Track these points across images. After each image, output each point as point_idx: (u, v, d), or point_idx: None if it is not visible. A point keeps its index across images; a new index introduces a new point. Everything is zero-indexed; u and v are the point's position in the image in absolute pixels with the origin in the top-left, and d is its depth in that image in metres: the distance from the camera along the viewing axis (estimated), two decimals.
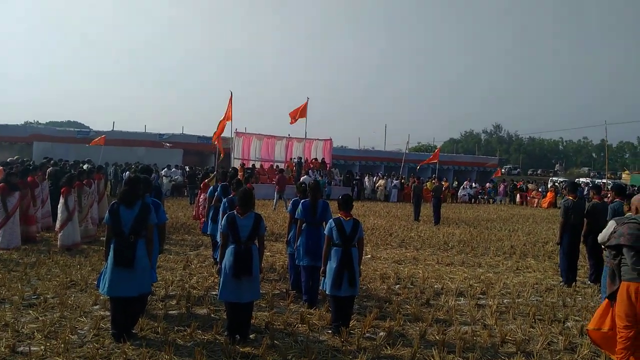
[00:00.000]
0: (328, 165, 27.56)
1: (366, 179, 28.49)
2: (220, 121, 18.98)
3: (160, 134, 33.90)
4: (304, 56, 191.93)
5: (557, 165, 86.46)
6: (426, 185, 25.89)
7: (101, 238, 9.91)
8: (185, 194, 23.33)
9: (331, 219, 5.51)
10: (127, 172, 20.65)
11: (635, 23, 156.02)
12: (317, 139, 28.96)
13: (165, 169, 23.63)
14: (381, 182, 27.90)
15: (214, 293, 6.45)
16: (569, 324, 6.06)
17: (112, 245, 4.74)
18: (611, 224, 5.33)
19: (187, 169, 25.02)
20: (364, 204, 23.23)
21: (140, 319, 5.13)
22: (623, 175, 57.31)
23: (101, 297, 5.81)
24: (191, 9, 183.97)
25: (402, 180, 28.77)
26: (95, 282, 5.47)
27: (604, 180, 39.81)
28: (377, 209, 20.93)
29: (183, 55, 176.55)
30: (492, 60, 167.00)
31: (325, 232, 5.48)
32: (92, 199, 10.48)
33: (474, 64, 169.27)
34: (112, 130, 32.22)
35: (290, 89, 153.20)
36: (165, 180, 22.58)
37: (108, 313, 5.15)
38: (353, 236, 5.32)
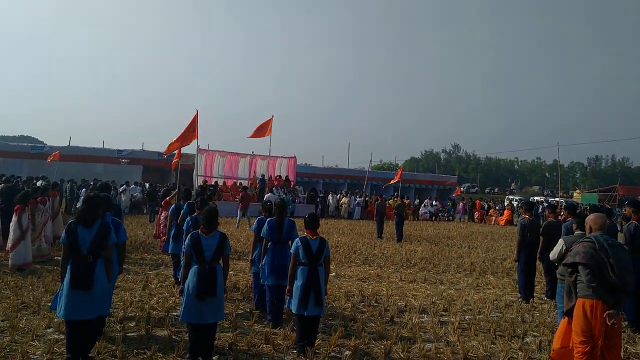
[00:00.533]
0: (292, 183, 27.54)
1: (330, 196, 28.62)
2: (176, 140, 18.67)
3: (119, 150, 33.06)
4: (268, 74, 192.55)
5: (513, 184, 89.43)
6: (389, 203, 26.23)
7: (55, 258, 9.51)
8: (145, 211, 22.78)
9: (298, 238, 5.50)
10: (84, 189, 20.00)
11: (587, 52, 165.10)
12: (282, 157, 28.93)
13: (124, 186, 22.98)
14: (344, 199, 28.09)
15: (175, 314, 6.28)
16: (528, 339, 6.22)
17: (69, 267, 4.54)
18: (560, 242, 5.55)
19: (147, 186, 24.48)
20: (328, 221, 23.27)
21: (97, 342, 4.92)
22: (574, 194, 60.00)
23: (55, 320, 5.55)
24: (155, 21, 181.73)
25: (366, 198, 29.04)
26: (49, 304, 5.22)
27: (557, 199, 41.43)
28: (340, 227, 21.01)
29: (145, 70, 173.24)
30: (452, 83, 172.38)
31: (291, 250, 5.46)
32: (47, 217, 10.07)
33: (435, 87, 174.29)
34: (68, 145, 31.16)
35: (255, 106, 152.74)
36: (123, 197, 21.95)
37: (62, 336, 4.93)
38: (320, 255, 5.32)
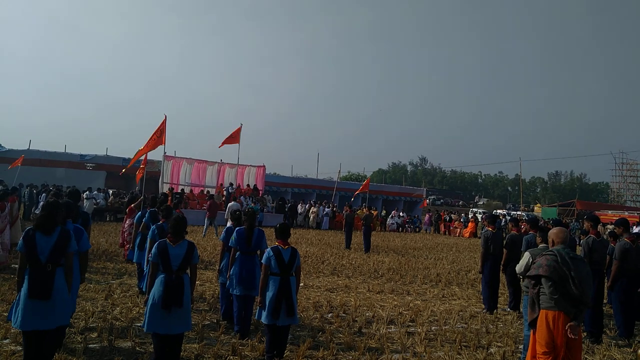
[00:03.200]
0: (260, 192, 27.38)
1: (299, 206, 28.59)
2: (144, 147, 18.32)
3: (82, 155, 32.14)
4: (239, 82, 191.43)
5: (477, 197, 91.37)
6: (357, 213, 26.40)
7: (12, 265, 9.12)
8: (108, 218, 22.18)
9: (269, 248, 5.45)
10: (44, 195, 19.31)
11: (549, 69, 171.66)
12: (250, 165, 28.77)
13: (87, 192, 22.30)
14: (313, 209, 28.11)
15: (139, 324, 6.11)
16: (492, 349, 6.35)
17: (26, 275, 4.35)
18: (526, 255, 5.69)
19: (111, 192, 23.88)
20: (296, 231, 23.20)
21: (56, 354, 4.73)
22: (535, 208, 61.86)
23: (12, 331, 5.31)
24: (122, 24, 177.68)
25: (334, 208, 29.14)
26: (6, 314, 4.99)
27: (519, 212, 42.66)
28: (309, 237, 20.98)
29: (112, 75, 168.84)
30: (420, 97, 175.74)
31: (263, 261, 5.40)
32: (5, 223, 9.65)
33: (400, 99, 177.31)
34: (29, 149, 30.08)
35: (224, 115, 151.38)
36: (86, 203, 21.28)
37: (20, 348, 4.71)
38: (292, 265, 5.30)
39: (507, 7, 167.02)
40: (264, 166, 29.31)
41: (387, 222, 31.56)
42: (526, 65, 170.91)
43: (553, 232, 4.76)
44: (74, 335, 5.66)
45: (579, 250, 7.67)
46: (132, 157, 24.05)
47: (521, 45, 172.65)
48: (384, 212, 34.26)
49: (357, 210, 27.97)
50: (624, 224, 8.06)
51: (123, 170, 21.09)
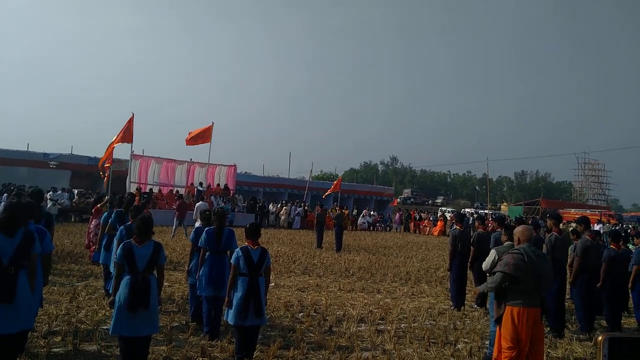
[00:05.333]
0: (231, 192, 27.14)
1: (270, 205, 28.48)
2: (111, 143, 17.96)
3: (45, 154, 31.12)
4: (211, 81, 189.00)
5: (440, 197, 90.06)
6: (329, 213, 26.48)
7: None
8: (73, 219, 21.59)
9: (238, 248, 5.40)
10: (5, 195, 18.62)
11: (517, 72, 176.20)
12: (221, 165, 28.47)
13: (51, 192, 21.64)
14: (284, 209, 28.04)
15: (105, 327, 5.97)
16: (459, 346, 6.48)
17: None
18: (492, 253, 5.83)
19: (76, 192, 23.24)
20: (267, 230, 23.12)
21: (18, 359, 4.57)
22: (502, 207, 63.39)
23: None
24: (89, 21, 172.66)
25: (306, 208, 29.14)
26: None
27: (486, 211, 43.62)
28: (280, 236, 20.93)
29: (78, 70, 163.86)
30: (393, 96, 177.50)
31: (232, 261, 5.35)
32: None
33: (373, 100, 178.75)
34: None
35: (195, 114, 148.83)
36: (50, 203, 20.65)
37: None
38: (261, 265, 5.27)
39: (482, 9, 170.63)
40: (235, 165, 29.06)
41: (359, 221, 31.79)
42: (494, 68, 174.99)
43: (518, 230, 4.89)
44: (37, 339, 5.49)
45: (543, 248, 7.91)
46: (98, 155, 23.53)
47: (493, 48, 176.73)
48: (355, 211, 34.48)
49: (330, 210, 28.08)
50: (585, 222, 8.35)
51: (105, 175, 20.34)
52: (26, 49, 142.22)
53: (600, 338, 1.77)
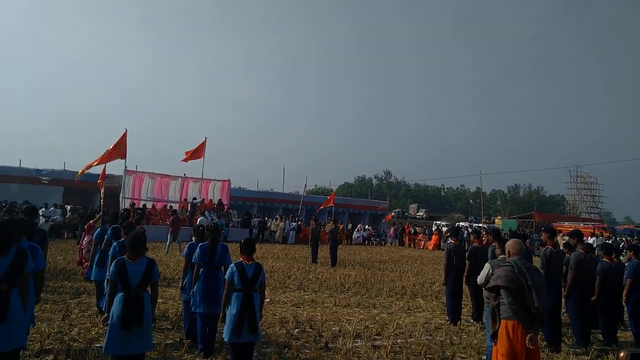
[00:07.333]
0: (225, 207, 27.04)
1: (266, 219, 28.40)
2: (99, 158, 17.92)
3: (37, 170, 30.90)
4: (203, 96, 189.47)
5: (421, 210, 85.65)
6: (324, 227, 26.43)
7: None
8: (66, 235, 21.41)
9: (233, 264, 5.37)
10: None
11: (510, 84, 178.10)
12: (215, 180, 28.39)
13: (43, 209, 21.47)
14: (280, 224, 27.94)
15: (98, 345, 5.89)
16: None
17: None
18: (486, 266, 5.85)
19: (69, 208, 23.09)
20: (262, 246, 23.00)
21: None
22: (496, 220, 63.56)
23: None
24: (74, 35, 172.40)
25: (300, 222, 29.06)
26: None
27: (480, 225, 43.71)
28: (275, 251, 20.82)
29: (72, 88, 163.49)
30: (388, 113, 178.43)
31: (226, 276, 5.32)
32: None
33: (365, 113, 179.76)
34: None
35: (187, 129, 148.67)
36: (42, 220, 20.47)
37: None
38: (255, 281, 5.23)
39: (478, 21, 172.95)
40: (229, 180, 28.99)
41: (353, 236, 31.71)
42: (489, 83, 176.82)
43: (509, 243, 4.92)
44: (29, 358, 5.42)
45: (537, 261, 7.92)
46: (91, 172, 23.42)
47: (488, 62, 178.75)
48: (349, 225, 34.43)
49: (324, 224, 28.01)
50: (577, 236, 8.39)
51: (76, 179, 20.54)
52: (24, 73, 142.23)
53: (622, 354, 1.75)
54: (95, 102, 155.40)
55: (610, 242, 22.17)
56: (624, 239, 34.58)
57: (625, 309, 8.57)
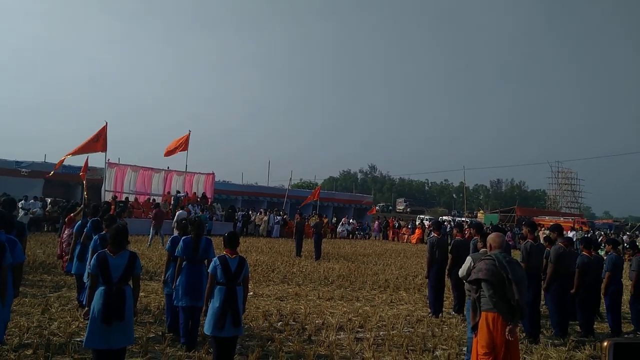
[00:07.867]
0: (209, 200, 26.87)
1: (250, 213, 28.31)
2: (77, 148, 17.66)
3: (17, 161, 30.30)
4: (188, 89, 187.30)
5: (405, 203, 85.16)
6: (308, 221, 26.45)
7: None
8: (46, 228, 21.07)
9: (216, 257, 5.34)
10: None
11: (494, 82, 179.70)
12: (199, 173, 28.19)
13: (22, 201, 21.07)
14: (264, 217, 27.88)
15: (78, 339, 5.82)
16: (437, 352, 6.52)
17: None
18: (468, 259, 5.92)
19: (49, 201, 22.70)
20: (247, 239, 22.94)
21: None
22: (478, 215, 64.26)
23: None
24: (58, 28, 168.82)
25: (285, 216, 29.04)
26: None
27: (463, 219, 44.17)
28: (259, 245, 20.79)
29: (51, 76, 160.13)
30: (375, 108, 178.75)
31: (209, 270, 5.29)
32: None
33: (351, 109, 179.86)
34: None
35: (172, 122, 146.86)
36: (21, 213, 20.10)
37: None
38: (238, 274, 5.21)
39: (466, 24, 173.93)
40: (213, 174, 28.81)
41: (338, 229, 31.82)
42: (473, 81, 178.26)
43: (491, 237, 4.98)
44: (7, 353, 5.31)
45: (518, 254, 8.04)
46: (72, 164, 23.08)
47: (474, 62, 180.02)
48: (334, 219, 34.52)
49: (309, 218, 28.03)
50: (558, 229, 8.53)
51: (50, 174, 20.22)
52: None
53: (605, 344, 1.77)
54: (74, 92, 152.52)
55: (589, 236, 22.61)
56: (602, 233, 35.29)
57: (603, 301, 8.77)
